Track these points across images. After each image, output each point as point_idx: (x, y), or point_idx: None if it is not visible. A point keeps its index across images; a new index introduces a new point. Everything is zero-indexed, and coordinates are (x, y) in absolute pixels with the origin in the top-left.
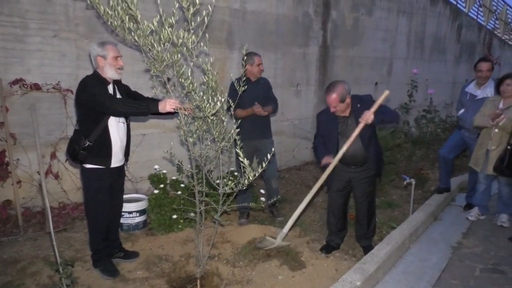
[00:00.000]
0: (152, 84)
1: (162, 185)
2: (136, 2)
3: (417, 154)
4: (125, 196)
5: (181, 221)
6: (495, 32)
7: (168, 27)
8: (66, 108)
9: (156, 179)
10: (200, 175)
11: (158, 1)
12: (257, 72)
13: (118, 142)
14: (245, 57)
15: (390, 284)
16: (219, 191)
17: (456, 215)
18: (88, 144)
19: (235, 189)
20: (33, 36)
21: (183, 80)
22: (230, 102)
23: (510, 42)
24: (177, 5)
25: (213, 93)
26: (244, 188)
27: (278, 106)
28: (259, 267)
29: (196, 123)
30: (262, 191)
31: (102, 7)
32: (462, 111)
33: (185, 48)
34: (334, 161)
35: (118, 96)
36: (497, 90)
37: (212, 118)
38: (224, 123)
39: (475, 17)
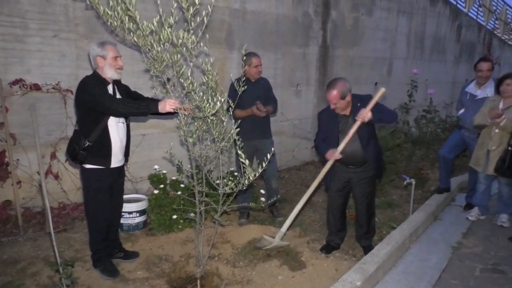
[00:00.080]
0: (152, 84)
1: (162, 185)
2: (135, 2)
3: (417, 154)
4: (125, 196)
5: (181, 221)
6: (495, 32)
7: (168, 27)
8: (66, 108)
9: (156, 179)
10: (200, 175)
11: (158, 1)
12: (255, 73)
13: (118, 142)
14: (244, 57)
15: (390, 284)
16: (219, 191)
17: (456, 215)
18: (88, 144)
19: (235, 189)
20: (33, 36)
21: (183, 80)
22: (230, 102)
23: (510, 42)
24: (175, 5)
25: (213, 93)
26: (244, 188)
27: (278, 106)
28: (259, 267)
29: (196, 123)
30: (262, 191)
31: (101, 8)
32: (462, 111)
33: (184, 48)
34: (334, 157)
35: (118, 96)
36: (497, 90)
37: (212, 118)
38: (224, 123)
39: (475, 17)
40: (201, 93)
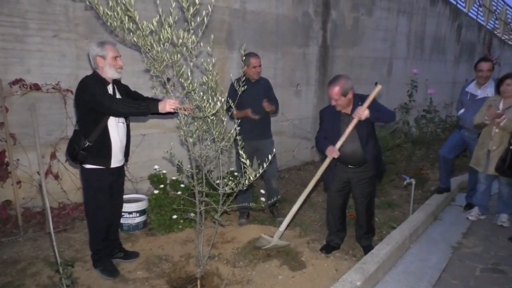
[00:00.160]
0: (152, 84)
1: (162, 185)
2: (134, 3)
3: (417, 154)
4: (125, 196)
5: (181, 221)
6: (495, 32)
7: (168, 27)
8: (66, 108)
9: (156, 179)
10: (200, 175)
11: (158, 1)
12: (253, 74)
13: (118, 143)
14: (244, 58)
15: (390, 284)
16: (219, 191)
17: (456, 215)
18: (88, 144)
19: (235, 189)
20: (33, 36)
21: (183, 80)
22: (230, 102)
23: (510, 42)
24: (174, 4)
25: (213, 93)
26: (244, 188)
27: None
28: (259, 267)
29: (196, 123)
30: (262, 191)
31: (101, 8)
32: (462, 111)
33: (185, 48)
34: (332, 154)
35: (118, 96)
36: (497, 90)
37: (212, 118)
38: (224, 123)
39: (475, 17)
40: (201, 93)
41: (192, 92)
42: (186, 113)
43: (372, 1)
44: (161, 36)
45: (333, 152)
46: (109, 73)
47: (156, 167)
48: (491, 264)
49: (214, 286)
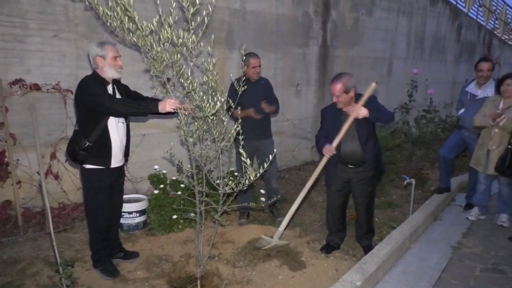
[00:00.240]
0: (152, 84)
1: (162, 185)
2: (133, 3)
3: (417, 154)
4: (125, 197)
5: (181, 221)
6: (495, 32)
7: (168, 27)
8: (66, 108)
9: (156, 179)
10: (200, 175)
11: (158, 1)
12: (253, 74)
13: (117, 143)
14: (244, 58)
15: (390, 284)
16: (219, 191)
17: (456, 215)
18: (87, 144)
19: (235, 189)
20: (33, 36)
21: (183, 80)
22: (230, 102)
23: (510, 42)
24: (174, 4)
25: (213, 93)
26: (245, 188)
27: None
28: (259, 267)
29: (196, 123)
30: (262, 191)
31: (101, 8)
32: (462, 111)
33: (184, 48)
34: (328, 152)
35: (118, 96)
36: (498, 90)
37: (212, 118)
38: (225, 123)
39: (474, 17)
40: (201, 93)
41: (193, 92)
42: (186, 113)
43: (372, 1)
44: (161, 36)
45: (329, 151)
46: (109, 73)
47: (156, 167)
48: (491, 264)
49: (214, 286)
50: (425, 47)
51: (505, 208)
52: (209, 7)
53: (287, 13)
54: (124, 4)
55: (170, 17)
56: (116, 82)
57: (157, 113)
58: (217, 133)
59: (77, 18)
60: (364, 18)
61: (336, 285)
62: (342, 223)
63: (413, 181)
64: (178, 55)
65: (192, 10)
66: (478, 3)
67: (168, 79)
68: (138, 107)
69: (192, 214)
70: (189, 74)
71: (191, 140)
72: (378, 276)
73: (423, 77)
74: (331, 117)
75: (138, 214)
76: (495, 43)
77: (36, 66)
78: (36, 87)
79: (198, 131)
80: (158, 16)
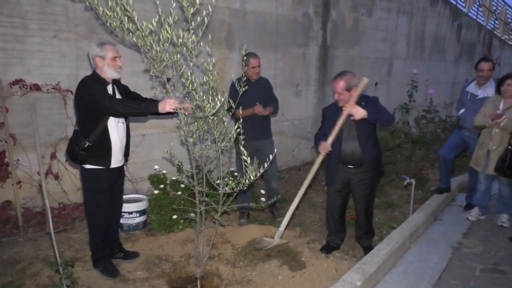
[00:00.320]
0: (151, 85)
1: (162, 186)
2: (132, 3)
3: (417, 154)
4: (125, 197)
5: (181, 221)
6: (495, 32)
7: (168, 27)
8: (66, 108)
9: (156, 179)
10: (200, 175)
11: (157, 1)
12: (252, 74)
13: (117, 143)
14: (244, 58)
15: (390, 284)
16: (219, 191)
17: (456, 215)
18: (87, 144)
19: (235, 189)
20: (33, 37)
21: (184, 80)
22: (231, 102)
23: (510, 42)
24: (174, 4)
25: (213, 93)
26: (245, 188)
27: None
28: (259, 267)
29: (196, 123)
30: (262, 191)
31: (101, 8)
32: (462, 111)
33: (184, 48)
34: (324, 149)
35: (118, 96)
36: (498, 90)
37: (212, 118)
38: (225, 123)
39: (475, 17)
40: (201, 93)
41: (193, 92)
42: (186, 113)
43: (372, 1)
44: (161, 36)
45: (324, 148)
46: (108, 73)
47: (156, 167)
48: (491, 264)
49: (214, 286)
50: (425, 47)
51: (505, 208)
52: (209, 7)
53: (287, 13)
54: (123, 4)
55: (170, 17)
56: (116, 83)
57: (157, 113)
58: (218, 133)
59: (77, 19)
60: (364, 18)
61: (336, 285)
62: (342, 223)
63: (413, 181)
64: (178, 55)
65: (192, 10)
66: (478, 3)
67: (168, 79)
68: (137, 107)
69: (192, 214)
70: (189, 74)
71: (191, 140)
72: (378, 276)
73: (423, 77)
74: (332, 116)
75: (138, 214)
76: (495, 43)
77: (36, 66)
78: (36, 88)
79: (198, 131)
80: (157, 16)
